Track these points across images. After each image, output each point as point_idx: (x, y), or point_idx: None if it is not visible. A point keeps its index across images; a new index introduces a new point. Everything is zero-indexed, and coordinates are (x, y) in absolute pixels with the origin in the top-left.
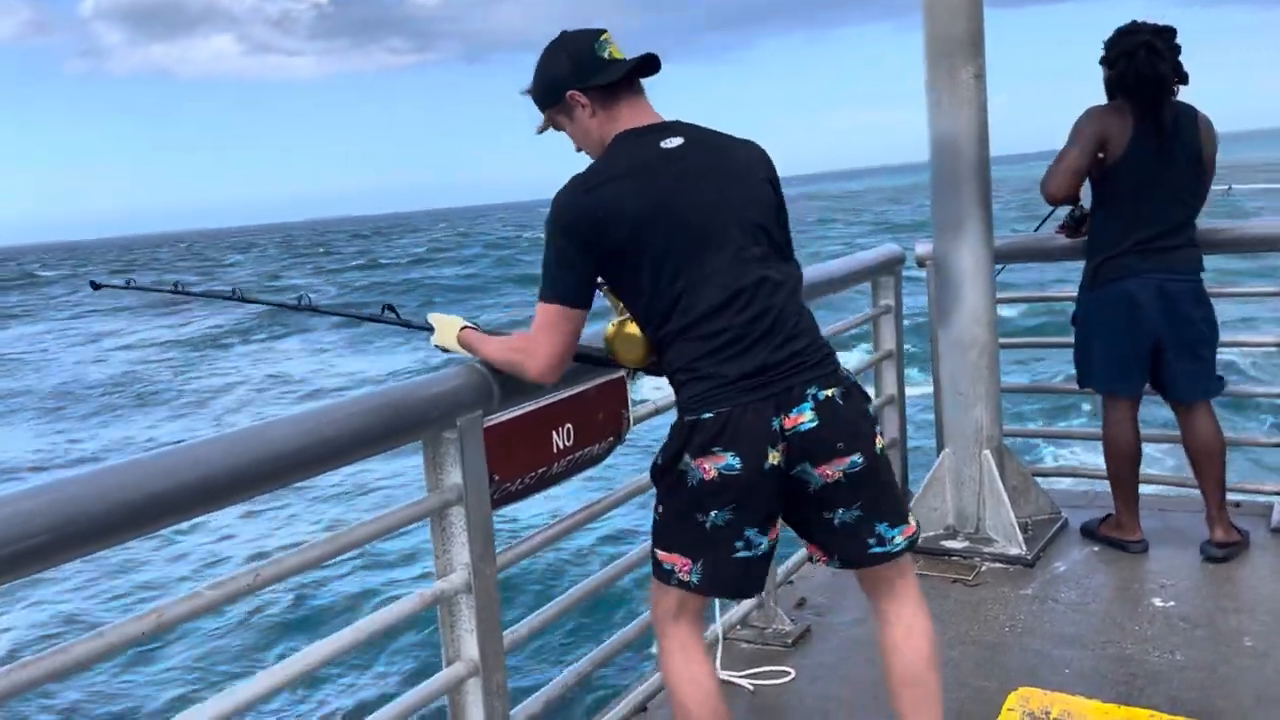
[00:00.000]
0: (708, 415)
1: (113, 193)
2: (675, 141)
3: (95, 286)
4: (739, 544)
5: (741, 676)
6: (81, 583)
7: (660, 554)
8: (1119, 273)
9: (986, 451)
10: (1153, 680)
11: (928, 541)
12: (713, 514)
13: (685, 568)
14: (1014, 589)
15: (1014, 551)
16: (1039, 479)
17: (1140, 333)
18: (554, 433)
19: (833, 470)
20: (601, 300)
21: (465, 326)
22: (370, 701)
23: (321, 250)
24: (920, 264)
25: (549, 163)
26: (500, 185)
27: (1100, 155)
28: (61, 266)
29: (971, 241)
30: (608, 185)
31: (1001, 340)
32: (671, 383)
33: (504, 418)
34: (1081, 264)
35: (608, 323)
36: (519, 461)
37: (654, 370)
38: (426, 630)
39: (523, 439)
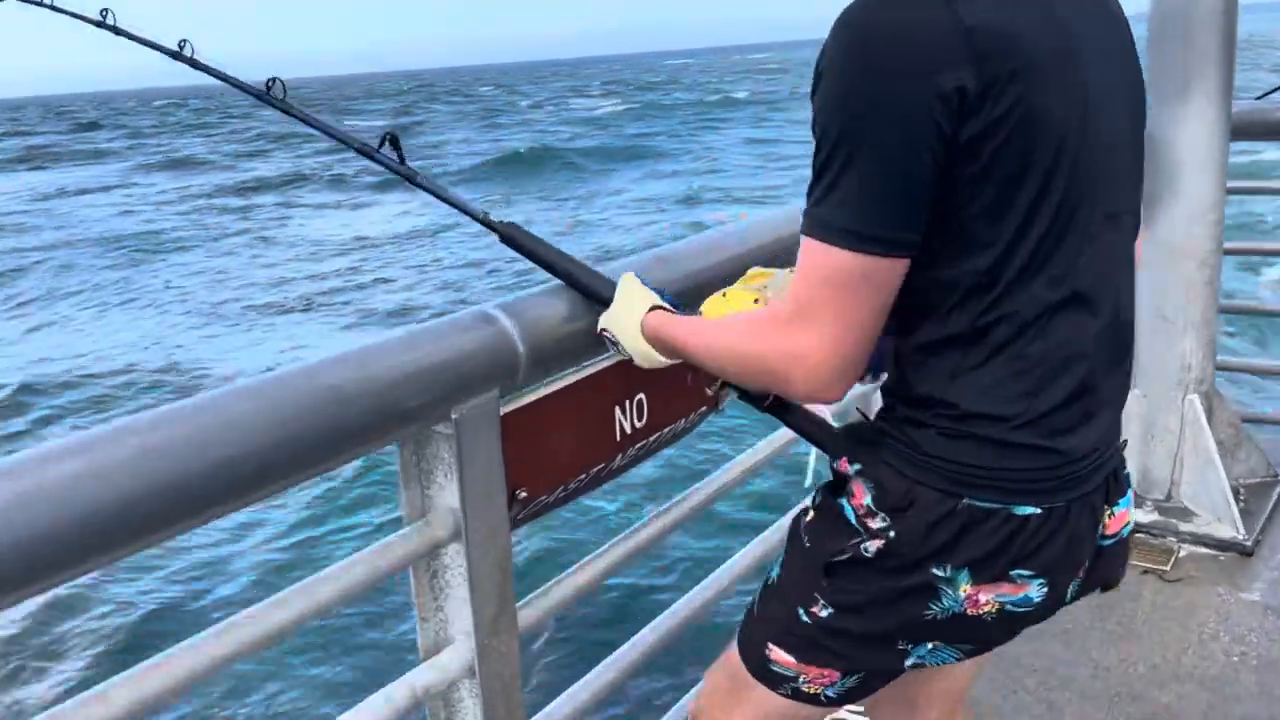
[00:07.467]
0: (1029, 511)
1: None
2: None
3: None
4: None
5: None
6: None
7: (778, 655)
8: None
9: (1194, 396)
10: None
11: None
12: (929, 647)
13: (824, 679)
14: (1232, 590)
15: (1225, 533)
16: (1247, 425)
17: None
18: (618, 409)
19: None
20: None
21: (656, 306)
22: None
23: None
24: None
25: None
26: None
27: None
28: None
29: (1202, 112)
30: None
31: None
32: (908, 404)
33: (535, 396)
34: None
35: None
36: (560, 461)
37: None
38: None
39: (567, 425)
